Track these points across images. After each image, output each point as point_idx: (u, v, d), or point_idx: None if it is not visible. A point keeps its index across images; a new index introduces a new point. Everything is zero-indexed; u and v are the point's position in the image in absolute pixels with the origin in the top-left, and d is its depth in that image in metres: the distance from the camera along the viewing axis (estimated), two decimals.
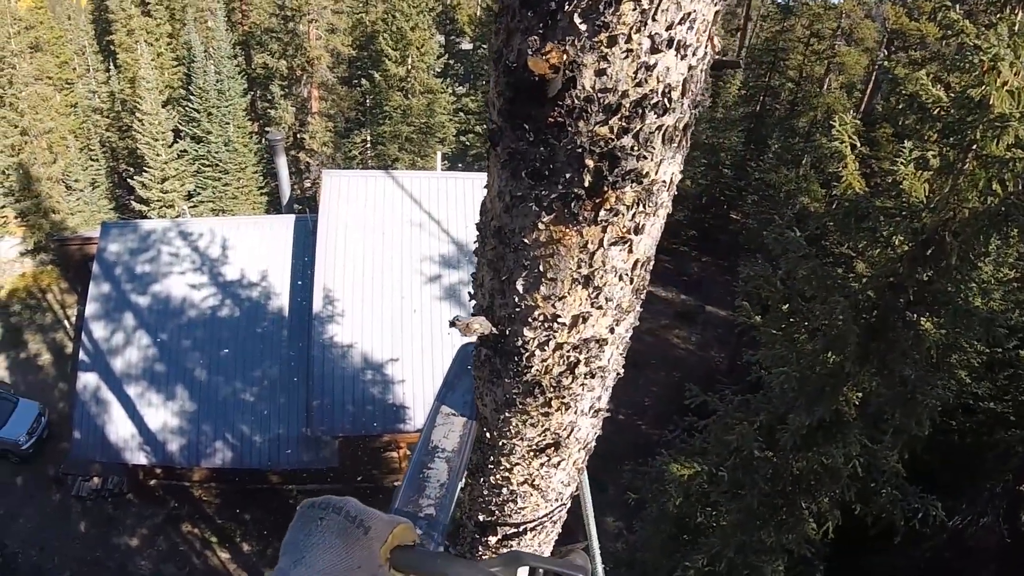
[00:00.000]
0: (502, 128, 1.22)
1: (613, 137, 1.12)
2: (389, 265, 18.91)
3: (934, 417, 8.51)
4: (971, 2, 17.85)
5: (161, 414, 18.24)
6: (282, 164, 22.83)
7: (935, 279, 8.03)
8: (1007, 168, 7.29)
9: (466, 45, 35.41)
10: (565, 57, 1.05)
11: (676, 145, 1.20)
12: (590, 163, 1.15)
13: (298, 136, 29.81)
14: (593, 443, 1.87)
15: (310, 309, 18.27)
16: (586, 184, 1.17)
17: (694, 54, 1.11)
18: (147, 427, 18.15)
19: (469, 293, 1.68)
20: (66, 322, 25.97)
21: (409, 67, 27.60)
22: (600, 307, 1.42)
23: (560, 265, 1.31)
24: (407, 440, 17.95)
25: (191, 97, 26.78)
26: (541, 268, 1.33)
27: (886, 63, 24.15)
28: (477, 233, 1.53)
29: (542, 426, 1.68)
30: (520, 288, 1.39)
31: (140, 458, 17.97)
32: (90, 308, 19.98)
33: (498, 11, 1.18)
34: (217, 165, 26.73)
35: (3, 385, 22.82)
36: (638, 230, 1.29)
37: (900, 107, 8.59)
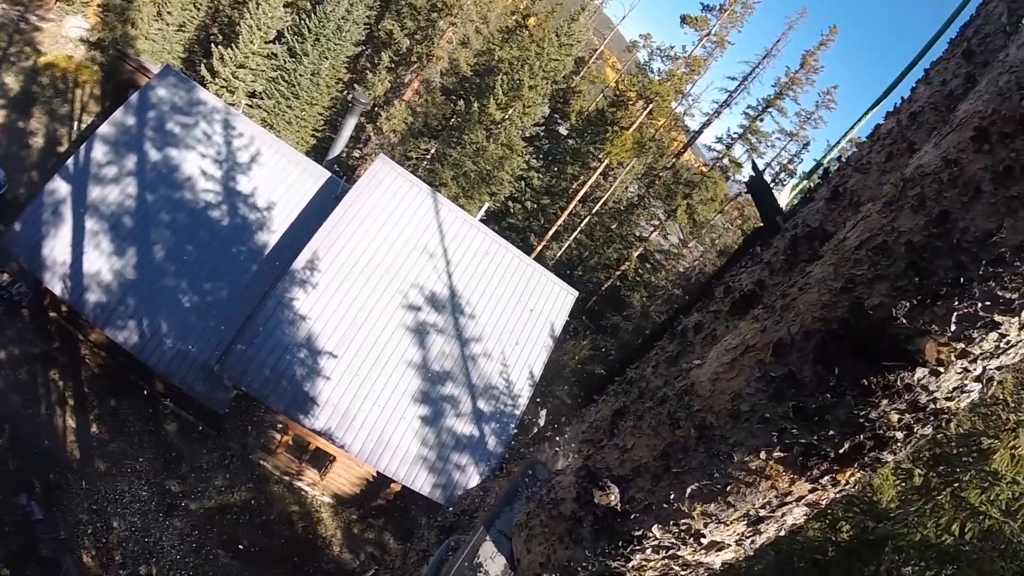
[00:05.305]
0: (800, 347, 1.16)
1: (895, 427, 1.11)
2: (382, 271, 18.87)
3: None
4: None
5: (100, 261, 17.80)
6: (350, 124, 23.06)
7: None
8: (974, 518, 7.14)
9: (562, 130, 36.22)
10: (953, 357, 1.03)
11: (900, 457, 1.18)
12: (861, 437, 1.13)
13: (376, 110, 30.06)
14: None
15: (289, 263, 18.13)
16: (841, 451, 1.15)
17: (985, 392, 1.14)
18: (81, 264, 17.68)
19: (586, 441, 1.59)
20: (76, 123, 25.51)
21: (506, 116, 28.17)
22: (741, 545, 1.37)
23: (748, 497, 1.24)
24: (297, 431, 17.59)
25: (312, 15, 27.00)
26: (727, 488, 1.25)
27: None
28: (637, 387, 1.43)
29: None
30: (687, 491, 1.31)
31: (56, 286, 17.42)
32: (105, 128, 19.71)
33: (861, 243, 1.11)
34: (294, 86, 26.82)
35: None
36: (827, 504, 1.30)
37: None
